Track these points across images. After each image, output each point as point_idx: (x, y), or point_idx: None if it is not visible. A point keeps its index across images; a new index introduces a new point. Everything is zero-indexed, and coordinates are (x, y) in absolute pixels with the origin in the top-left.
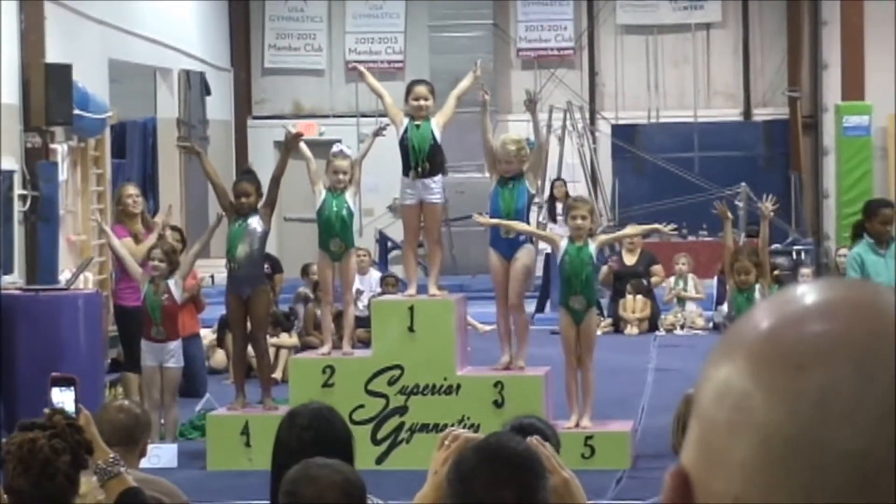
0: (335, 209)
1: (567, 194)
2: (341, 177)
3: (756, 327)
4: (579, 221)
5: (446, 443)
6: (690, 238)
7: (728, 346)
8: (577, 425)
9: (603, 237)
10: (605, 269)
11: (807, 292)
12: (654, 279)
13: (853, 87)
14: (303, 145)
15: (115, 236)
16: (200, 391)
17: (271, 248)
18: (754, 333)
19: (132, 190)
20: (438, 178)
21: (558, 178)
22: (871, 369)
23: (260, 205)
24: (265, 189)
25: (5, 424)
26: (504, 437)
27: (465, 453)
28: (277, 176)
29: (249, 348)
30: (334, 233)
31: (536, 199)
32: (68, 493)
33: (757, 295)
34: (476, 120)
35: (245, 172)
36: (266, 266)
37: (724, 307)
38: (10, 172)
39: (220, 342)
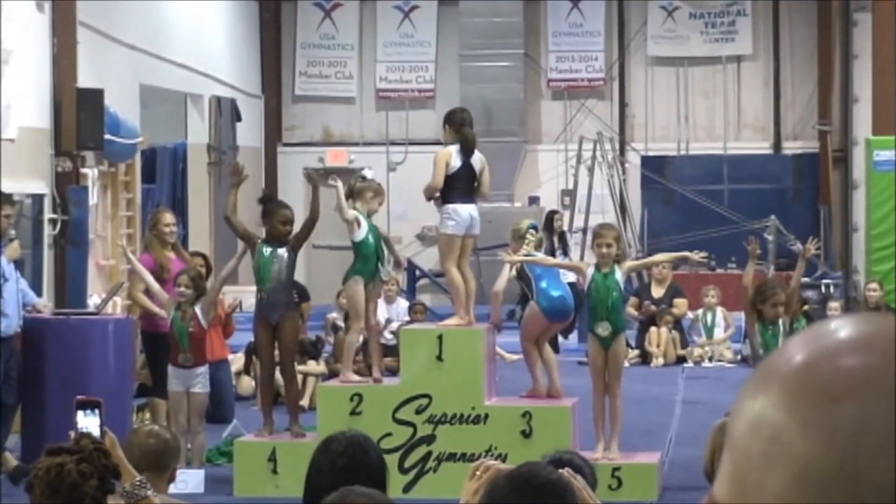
0: (376, 235)
1: (562, 232)
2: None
3: (791, 360)
4: (604, 249)
5: (478, 473)
6: (719, 270)
7: (763, 378)
8: (604, 455)
9: (630, 263)
10: (633, 299)
11: (841, 326)
12: (675, 311)
13: (884, 121)
14: (340, 191)
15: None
16: (228, 417)
17: (300, 275)
18: (789, 366)
19: (170, 218)
20: (442, 208)
21: (555, 211)
22: None
23: (292, 235)
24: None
25: (33, 448)
26: (537, 467)
27: (497, 481)
28: (314, 218)
29: (277, 375)
30: (381, 260)
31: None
32: None
33: (781, 329)
34: (508, 149)
35: (276, 201)
36: (293, 294)
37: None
38: (41, 196)
39: (247, 369)
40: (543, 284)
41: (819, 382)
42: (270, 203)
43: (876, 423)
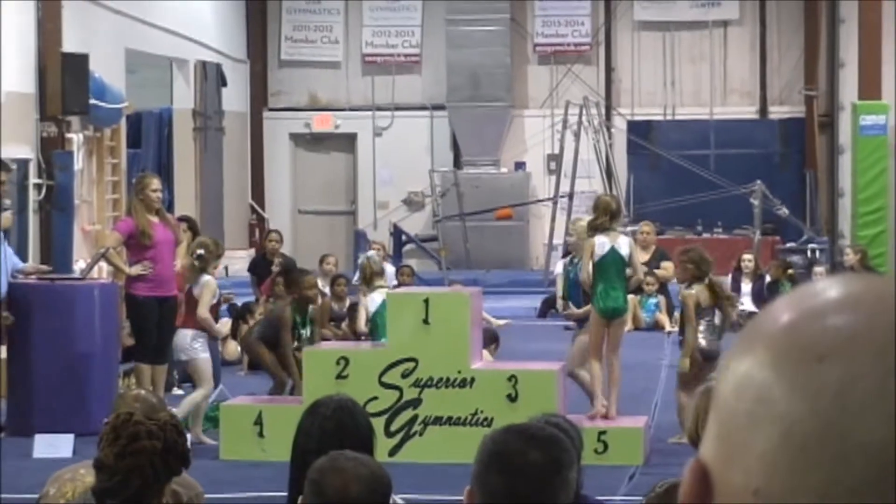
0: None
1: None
2: None
3: (777, 320)
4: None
5: None
6: (705, 235)
7: (749, 338)
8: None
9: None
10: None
11: (828, 286)
12: (660, 272)
13: (870, 85)
14: None
15: (121, 230)
16: (214, 382)
17: (286, 242)
18: (775, 326)
19: (157, 184)
20: None
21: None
22: (891, 361)
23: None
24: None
25: (19, 413)
26: (535, 423)
27: (495, 430)
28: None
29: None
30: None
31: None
32: (150, 485)
33: None
34: (494, 114)
35: (297, 269)
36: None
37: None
38: (26, 161)
39: (233, 333)
40: None
41: (805, 342)
42: (293, 272)
43: (861, 383)
